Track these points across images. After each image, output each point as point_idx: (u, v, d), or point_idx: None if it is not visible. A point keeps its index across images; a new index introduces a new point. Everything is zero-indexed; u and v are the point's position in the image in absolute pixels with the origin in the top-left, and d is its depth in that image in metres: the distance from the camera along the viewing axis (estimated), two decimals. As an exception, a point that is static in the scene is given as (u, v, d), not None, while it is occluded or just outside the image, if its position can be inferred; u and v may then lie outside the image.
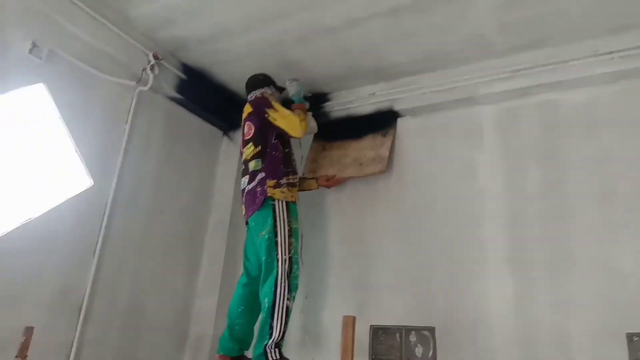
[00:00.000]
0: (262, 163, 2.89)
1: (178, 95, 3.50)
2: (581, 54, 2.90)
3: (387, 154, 3.33)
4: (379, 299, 3.16)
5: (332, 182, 3.38)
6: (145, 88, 3.22)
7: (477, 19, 2.82)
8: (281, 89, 3.29)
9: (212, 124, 3.91)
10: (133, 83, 3.18)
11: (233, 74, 3.63)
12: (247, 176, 2.93)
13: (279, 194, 2.80)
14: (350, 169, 3.40)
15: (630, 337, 2.46)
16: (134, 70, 3.19)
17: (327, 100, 3.66)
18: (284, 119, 2.97)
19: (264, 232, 2.74)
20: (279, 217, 2.75)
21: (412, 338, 2.85)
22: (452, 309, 2.93)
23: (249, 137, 2.99)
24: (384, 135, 3.44)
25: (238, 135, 3.97)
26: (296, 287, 2.76)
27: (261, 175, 2.85)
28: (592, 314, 2.59)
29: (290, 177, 2.94)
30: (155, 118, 3.42)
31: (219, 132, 4.00)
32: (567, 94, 3.01)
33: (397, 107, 3.46)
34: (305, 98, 3.30)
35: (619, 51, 2.82)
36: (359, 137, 3.51)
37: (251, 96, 3.19)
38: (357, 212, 3.43)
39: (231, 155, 3.95)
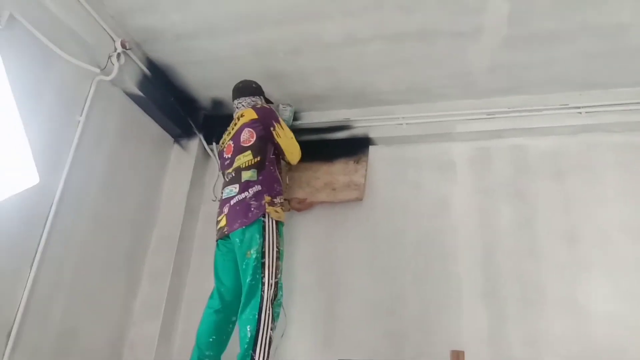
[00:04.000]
0: (258, 175, 2.65)
1: (138, 92, 3.09)
2: (553, 105, 3.12)
3: (362, 181, 3.25)
4: (347, 331, 2.99)
5: (305, 206, 3.21)
6: (108, 78, 2.82)
7: (472, 56, 2.89)
8: (268, 102, 3.08)
9: (165, 128, 3.51)
10: (97, 70, 2.76)
11: (200, 77, 3.35)
12: (237, 185, 2.65)
13: (274, 213, 2.57)
14: (322, 193, 3.25)
15: (599, 374, 2.59)
16: (96, 56, 2.78)
17: (297, 119, 3.51)
18: (288, 140, 2.87)
19: (251, 252, 2.45)
20: (269, 236, 2.50)
21: (385, 373, 2.74)
22: (424, 344, 2.86)
23: (249, 144, 2.73)
24: (357, 162, 3.35)
25: (192, 144, 3.64)
26: (278, 316, 2.50)
27: (257, 187, 2.59)
28: (561, 351, 2.68)
29: (282, 197, 2.74)
30: (110, 113, 2.99)
31: (170, 139, 3.62)
32: (535, 140, 3.20)
33: (372, 135, 3.41)
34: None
35: (585, 107, 3.08)
36: (329, 161, 3.38)
37: (247, 103, 2.96)
38: (325, 239, 3.26)
39: (181, 165, 3.58)
